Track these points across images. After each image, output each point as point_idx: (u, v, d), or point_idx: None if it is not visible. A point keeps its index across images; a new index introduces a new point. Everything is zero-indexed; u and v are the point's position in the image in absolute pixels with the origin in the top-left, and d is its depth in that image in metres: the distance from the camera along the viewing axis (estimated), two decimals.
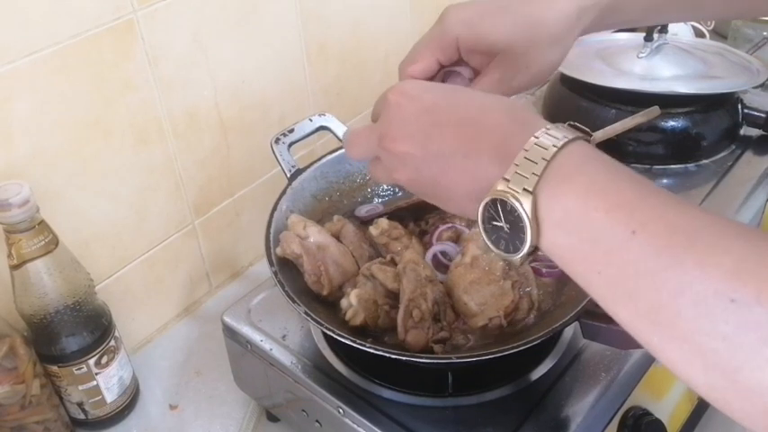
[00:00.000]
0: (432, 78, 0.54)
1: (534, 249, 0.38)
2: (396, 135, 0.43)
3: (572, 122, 0.40)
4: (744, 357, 0.29)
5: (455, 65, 0.55)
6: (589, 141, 0.39)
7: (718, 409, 0.31)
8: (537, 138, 0.37)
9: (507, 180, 0.37)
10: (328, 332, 0.56)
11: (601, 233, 0.34)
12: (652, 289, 0.32)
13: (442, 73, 0.55)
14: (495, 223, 0.39)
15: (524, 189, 0.36)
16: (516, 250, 0.39)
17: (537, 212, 0.37)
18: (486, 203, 0.39)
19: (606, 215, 0.34)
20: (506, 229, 0.39)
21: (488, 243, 0.41)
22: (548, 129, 0.38)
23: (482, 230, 0.41)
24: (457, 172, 0.41)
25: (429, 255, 0.68)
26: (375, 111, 0.47)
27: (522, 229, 0.37)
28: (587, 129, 0.39)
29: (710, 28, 1.37)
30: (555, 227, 0.36)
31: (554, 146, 0.36)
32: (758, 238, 0.31)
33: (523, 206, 0.36)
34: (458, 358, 0.56)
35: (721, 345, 0.29)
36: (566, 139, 0.37)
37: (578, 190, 0.35)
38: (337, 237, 0.69)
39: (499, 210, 0.38)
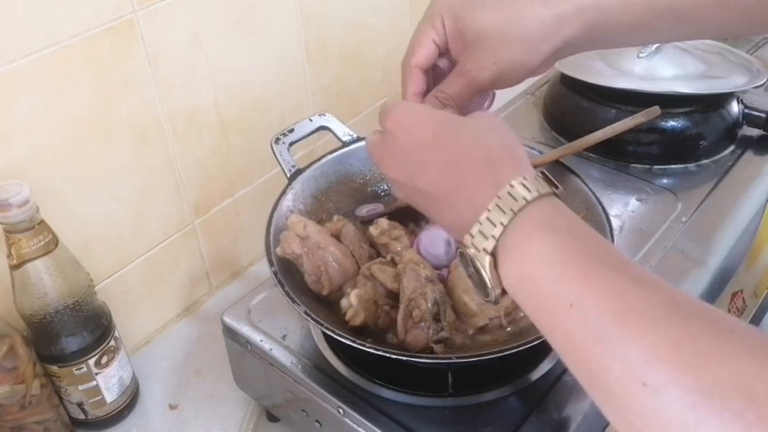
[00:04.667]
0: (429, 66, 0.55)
1: (503, 292, 0.41)
2: (389, 164, 0.48)
3: (543, 171, 0.42)
4: None
5: (441, 55, 0.55)
6: (556, 194, 0.41)
7: None
8: (500, 198, 0.40)
9: (472, 236, 0.41)
10: (328, 332, 0.56)
11: (546, 303, 0.37)
12: (587, 359, 0.35)
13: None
14: (468, 268, 0.43)
15: (484, 249, 0.40)
16: (486, 295, 0.42)
17: (498, 269, 0.40)
18: (459, 250, 0.42)
19: (551, 287, 0.37)
20: (475, 278, 0.42)
21: (470, 282, 0.44)
22: (511, 186, 0.40)
23: (464, 271, 0.44)
24: (439, 209, 0.45)
25: None
26: (380, 119, 0.49)
27: (484, 282, 0.41)
28: (555, 181, 0.42)
29: None
30: (512, 287, 0.40)
31: (511, 209, 0.39)
32: (683, 317, 0.32)
33: (483, 263, 0.40)
34: (458, 358, 0.56)
35: (637, 421, 0.32)
36: (524, 202, 0.39)
37: (529, 259, 0.38)
38: (337, 237, 0.68)
39: (467, 260, 0.42)
